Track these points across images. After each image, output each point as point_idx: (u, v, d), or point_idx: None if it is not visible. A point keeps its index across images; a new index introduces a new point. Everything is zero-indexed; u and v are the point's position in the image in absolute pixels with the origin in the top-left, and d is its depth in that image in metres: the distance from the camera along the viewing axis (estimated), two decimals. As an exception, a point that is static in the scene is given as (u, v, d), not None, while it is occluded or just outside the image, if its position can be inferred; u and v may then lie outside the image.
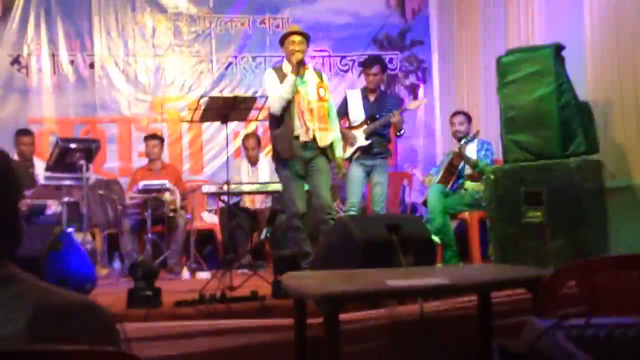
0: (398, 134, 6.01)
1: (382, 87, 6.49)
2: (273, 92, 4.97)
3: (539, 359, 1.25)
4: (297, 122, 4.93)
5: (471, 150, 5.94)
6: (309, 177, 5.02)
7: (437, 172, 6.21)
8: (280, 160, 5.04)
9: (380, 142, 5.98)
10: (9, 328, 1.07)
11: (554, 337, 1.22)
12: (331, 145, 5.06)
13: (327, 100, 5.08)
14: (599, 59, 5.21)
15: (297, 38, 5.02)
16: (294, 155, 4.94)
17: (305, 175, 5.02)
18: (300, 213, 4.94)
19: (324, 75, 5.26)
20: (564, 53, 4.85)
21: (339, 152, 5.21)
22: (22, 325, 1.07)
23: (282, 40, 5.13)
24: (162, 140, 6.95)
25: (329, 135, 5.03)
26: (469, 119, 6.16)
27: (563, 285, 2.21)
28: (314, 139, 4.93)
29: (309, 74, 5.07)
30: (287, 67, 5.03)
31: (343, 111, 5.99)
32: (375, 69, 6.02)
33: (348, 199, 5.92)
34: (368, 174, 5.99)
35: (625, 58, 4.93)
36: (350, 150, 5.90)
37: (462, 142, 5.89)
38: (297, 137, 4.93)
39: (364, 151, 5.91)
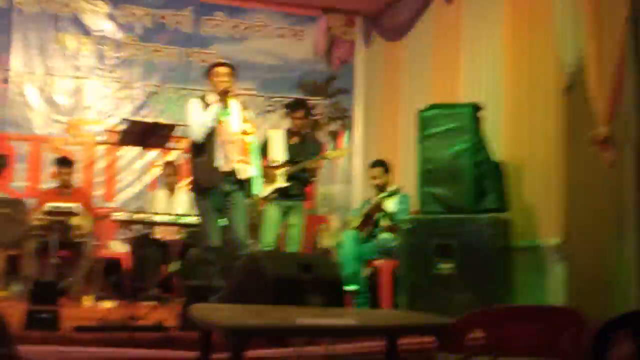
0: (311, 179, 6.07)
1: (305, 131, 6.55)
2: (196, 119, 4.91)
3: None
4: (218, 153, 4.90)
5: (390, 203, 6.01)
6: (226, 211, 4.97)
7: (355, 218, 6.27)
8: (200, 190, 4.96)
9: (298, 185, 6.01)
10: None
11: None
12: (249, 180, 5.04)
13: (250, 134, 5.07)
14: (514, 121, 5.45)
15: (222, 70, 5.01)
16: (214, 185, 4.88)
17: (222, 209, 4.97)
18: (214, 247, 4.87)
19: (249, 111, 5.26)
20: (482, 112, 5.05)
21: (257, 189, 5.19)
22: None
23: (208, 72, 5.11)
24: (73, 165, 6.74)
25: (249, 169, 5.00)
26: (386, 169, 6.24)
27: (469, 332, 2.25)
28: (233, 170, 4.90)
29: (234, 107, 5.06)
30: (210, 98, 5.00)
31: (263, 150, 6.01)
32: (299, 113, 6.09)
33: (263, 238, 5.90)
34: (284, 214, 5.99)
35: (538, 123, 5.16)
36: (268, 190, 5.90)
37: (384, 194, 5.93)
38: (217, 168, 4.89)
39: (282, 192, 5.93)
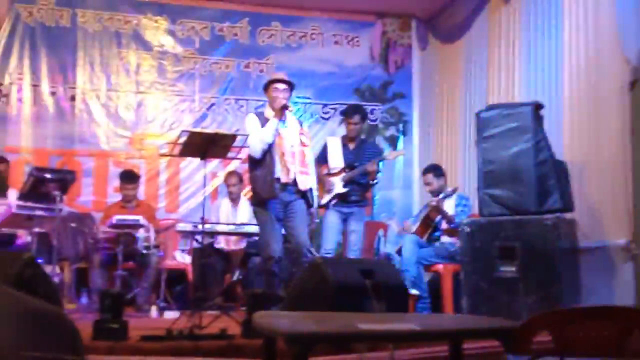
0: (371, 182, 6.04)
1: (362, 137, 6.54)
2: (254, 135, 5.00)
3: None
4: (278, 165, 4.96)
5: (449, 205, 5.96)
6: (286, 220, 5.01)
7: (415, 222, 6.23)
8: (260, 202, 5.03)
9: (358, 191, 6.00)
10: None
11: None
12: (310, 191, 5.08)
13: (307, 146, 5.14)
14: (576, 119, 5.32)
15: (281, 86, 5.10)
16: (274, 196, 4.93)
17: (284, 218, 5.00)
18: (276, 257, 4.91)
19: (304, 124, 5.34)
20: (543, 111, 4.95)
21: (315, 202, 5.24)
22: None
23: (267, 87, 5.18)
24: (137, 179, 6.88)
25: (309, 179, 5.06)
26: (439, 174, 6.17)
27: (535, 334, 2.20)
28: (295, 181, 4.95)
29: (291, 120, 5.13)
30: (269, 112, 5.09)
31: (322, 158, 6.03)
32: (356, 118, 6.08)
33: (323, 245, 5.90)
34: (344, 221, 5.99)
35: (602, 120, 5.03)
36: (327, 197, 5.91)
37: (440, 196, 5.90)
38: (278, 179, 4.95)
39: (341, 198, 5.92)
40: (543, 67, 5.84)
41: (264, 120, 5.05)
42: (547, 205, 4.70)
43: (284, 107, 5.00)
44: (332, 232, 5.93)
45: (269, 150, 4.97)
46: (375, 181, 6.02)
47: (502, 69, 6.44)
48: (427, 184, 6.17)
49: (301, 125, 5.27)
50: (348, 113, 6.22)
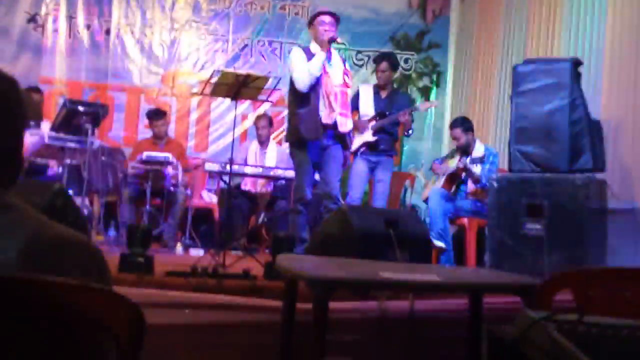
0: (406, 133, 5.99)
1: (395, 86, 6.46)
2: (301, 68, 4.86)
3: (529, 348, 1.24)
4: (321, 103, 4.87)
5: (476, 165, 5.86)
6: (322, 164, 4.96)
7: (441, 162, 6.19)
8: (299, 142, 4.91)
9: (387, 140, 5.96)
10: (4, 254, 1.05)
11: (546, 328, 1.20)
12: (349, 134, 5.01)
13: (349, 87, 5.06)
14: (615, 78, 5.20)
15: (327, 18, 4.96)
16: (317, 137, 4.84)
17: (319, 162, 4.96)
18: (306, 199, 4.90)
19: (347, 64, 5.22)
20: (581, 69, 4.84)
21: (352, 147, 5.20)
22: (15, 253, 1.06)
23: (311, 21, 5.07)
24: (165, 116, 6.90)
25: (349, 122, 4.99)
26: (468, 128, 6.05)
27: (557, 292, 2.19)
28: (335, 123, 4.90)
29: (336, 58, 5.04)
30: (314, 47, 4.97)
31: (354, 105, 5.97)
32: (383, 66, 6.01)
33: (350, 193, 5.90)
34: (372, 170, 5.96)
35: (642, 80, 4.91)
36: (356, 144, 5.87)
37: (469, 160, 5.79)
38: (319, 119, 4.86)
39: (370, 147, 5.89)
40: (585, 22, 5.68)
41: (309, 55, 4.91)
42: (578, 165, 4.63)
43: (331, 40, 4.88)
44: (360, 180, 5.92)
45: (314, 88, 4.86)
46: (409, 131, 5.97)
47: (543, 23, 6.28)
48: (454, 138, 6.09)
49: (344, 64, 5.15)
50: (377, 60, 6.16)
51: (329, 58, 4.93)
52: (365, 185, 6.08)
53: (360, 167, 5.91)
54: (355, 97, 6.03)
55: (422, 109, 6.62)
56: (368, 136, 5.87)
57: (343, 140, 4.99)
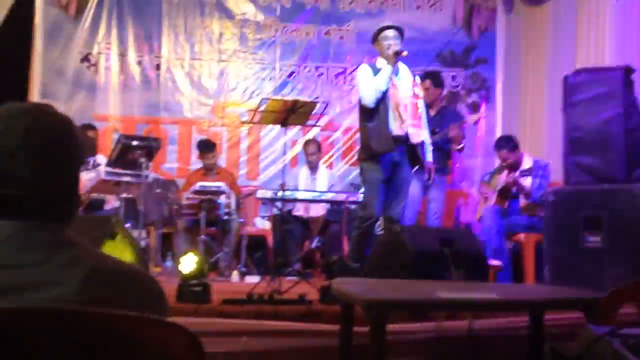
0: (458, 148, 5.94)
1: (444, 103, 6.43)
2: (367, 83, 4.91)
3: (593, 366, 1.21)
4: (391, 117, 4.88)
5: (526, 179, 5.77)
6: (391, 183, 4.95)
7: (490, 178, 6.11)
8: (371, 156, 4.92)
9: (440, 158, 5.91)
10: (63, 289, 1.09)
11: (610, 343, 1.17)
12: (422, 145, 4.99)
13: (420, 98, 5.04)
14: (670, 84, 5.06)
15: (391, 32, 4.99)
16: (389, 149, 4.83)
17: (390, 178, 4.95)
18: (373, 218, 4.88)
19: (417, 77, 5.22)
20: (633, 77, 4.74)
21: (429, 156, 5.15)
22: (75, 287, 1.09)
23: (375, 38, 5.09)
24: (215, 148, 6.99)
25: (421, 132, 4.97)
26: (513, 147, 5.95)
27: (620, 306, 2.13)
28: (407, 135, 4.88)
29: (404, 71, 5.05)
30: (380, 63, 5.00)
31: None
32: (426, 84, 5.99)
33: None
34: (425, 189, 5.93)
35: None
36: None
37: (517, 173, 5.71)
38: (390, 132, 4.85)
39: (422, 166, 5.85)
40: (636, 30, 5.58)
41: (376, 71, 4.95)
42: (636, 174, 4.52)
43: (397, 53, 4.89)
44: (413, 200, 5.88)
45: (382, 101, 4.87)
46: (460, 146, 5.92)
47: (592, 32, 6.18)
48: (503, 159, 6.00)
49: (414, 76, 5.16)
50: (420, 79, 6.16)
51: (395, 72, 4.94)
52: (418, 206, 6.04)
53: (413, 186, 5.87)
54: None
55: (470, 121, 6.58)
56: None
57: (415, 153, 4.94)
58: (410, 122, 4.88)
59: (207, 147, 6.88)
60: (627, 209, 4.37)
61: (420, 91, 5.06)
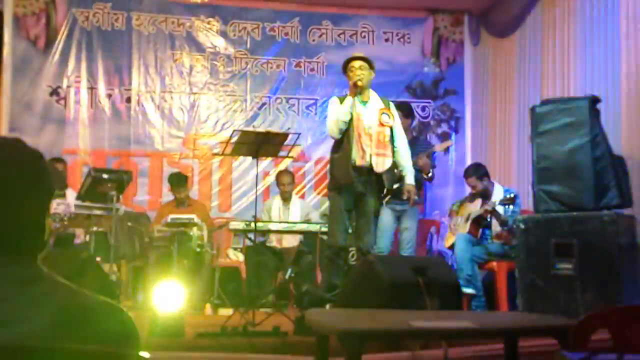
0: (427, 177, 5.98)
1: (414, 134, 6.48)
2: (332, 115, 4.98)
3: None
4: (354, 147, 4.91)
5: (500, 207, 5.81)
6: (356, 215, 4.98)
7: (458, 207, 6.15)
8: (336, 187, 4.98)
9: (411, 188, 5.94)
10: (34, 325, 1.07)
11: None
12: (388, 171, 5.00)
13: (389, 127, 5.04)
14: (634, 113, 5.19)
15: (356, 63, 5.02)
16: (350, 181, 4.87)
17: (354, 209, 4.97)
18: (339, 247, 4.90)
19: (391, 104, 5.23)
20: (599, 106, 4.83)
21: (410, 180, 5.15)
22: (45, 323, 1.07)
23: (344, 68, 5.13)
24: (186, 181, 6.96)
25: (386, 161, 4.97)
26: (482, 174, 6.02)
27: (593, 332, 2.15)
28: (370, 164, 4.91)
29: (374, 99, 5.07)
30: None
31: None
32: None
33: (376, 243, 5.87)
34: (398, 218, 5.95)
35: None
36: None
37: (496, 202, 5.74)
38: (354, 162, 4.89)
39: (395, 195, 5.88)
40: (599, 60, 5.71)
41: (342, 101, 5.01)
42: (604, 202, 4.59)
43: (357, 85, 4.91)
44: (386, 229, 5.90)
45: (346, 132, 4.91)
46: (430, 175, 5.96)
47: (557, 63, 6.32)
48: (472, 186, 6.07)
49: (388, 105, 5.12)
50: None
51: (364, 102, 4.97)
52: (391, 236, 6.06)
53: (386, 216, 5.90)
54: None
55: (439, 149, 6.62)
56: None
57: (378, 184, 4.96)
58: (375, 151, 4.90)
59: (178, 180, 6.84)
60: (597, 236, 4.44)
61: (389, 119, 5.05)
